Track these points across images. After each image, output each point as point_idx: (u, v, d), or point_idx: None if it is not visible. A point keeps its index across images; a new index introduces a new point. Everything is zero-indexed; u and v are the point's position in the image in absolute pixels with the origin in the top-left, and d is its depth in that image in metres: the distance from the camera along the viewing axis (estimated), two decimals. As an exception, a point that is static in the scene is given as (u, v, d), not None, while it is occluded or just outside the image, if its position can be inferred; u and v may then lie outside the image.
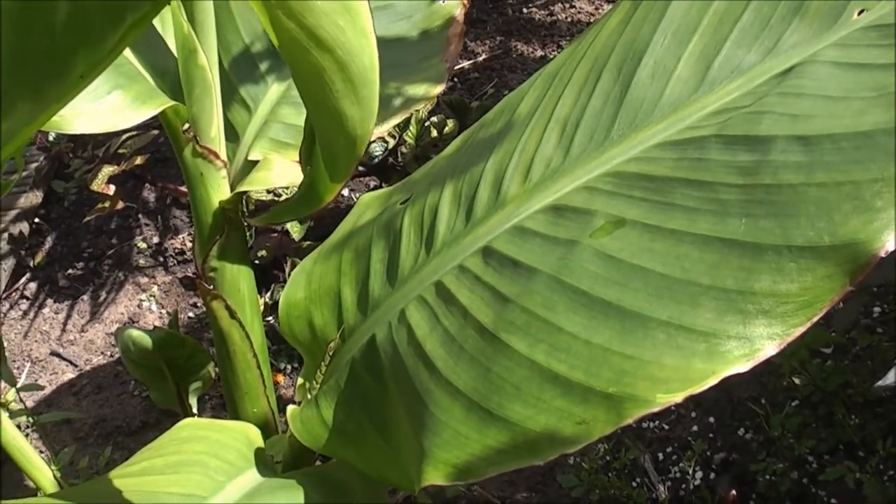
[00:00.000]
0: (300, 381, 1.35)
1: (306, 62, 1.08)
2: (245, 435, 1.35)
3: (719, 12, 1.13)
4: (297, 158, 1.45)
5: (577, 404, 0.97)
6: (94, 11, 0.78)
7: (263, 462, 1.30)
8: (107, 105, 1.33)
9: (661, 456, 1.90)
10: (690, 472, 1.85)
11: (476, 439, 1.03)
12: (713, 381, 0.93)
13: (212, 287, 1.38)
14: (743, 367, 0.93)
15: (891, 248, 0.90)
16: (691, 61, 1.12)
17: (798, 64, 1.05)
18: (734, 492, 1.79)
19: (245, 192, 1.42)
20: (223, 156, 1.36)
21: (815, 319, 0.92)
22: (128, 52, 1.40)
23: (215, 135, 1.34)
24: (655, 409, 0.93)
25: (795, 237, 0.94)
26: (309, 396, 1.29)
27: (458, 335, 1.09)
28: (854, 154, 0.95)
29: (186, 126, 1.34)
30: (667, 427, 1.94)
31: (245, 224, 1.44)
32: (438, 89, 1.49)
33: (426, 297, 1.16)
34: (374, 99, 1.14)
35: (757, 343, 0.93)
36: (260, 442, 1.36)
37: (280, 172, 1.42)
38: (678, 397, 0.93)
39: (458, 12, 1.55)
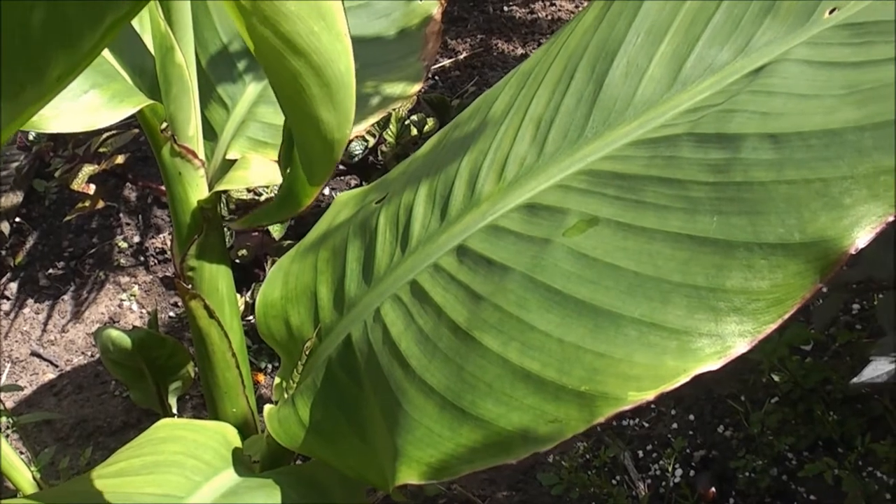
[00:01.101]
0: (277, 380, 1.35)
1: (282, 67, 1.08)
2: (222, 435, 1.34)
3: (692, 11, 1.13)
4: (276, 158, 1.45)
5: (550, 402, 0.98)
6: (73, 12, 0.78)
7: (241, 462, 1.30)
8: (83, 104, 1.32)
9: (641, 454, 1.91)
10: (670, 469, 1.86)
11: (449, 437, 1.03)
12: (684, 378, 0.93)
13: (190, 286, 1.38)
14: (714, 364, 0.93)
15: (860, 245, 0.91)
16: (664, 60, 1.12)
17: (769, 62, 1.05)
18: (714, 489, 1.80)
19: (223, 192, 1.42)
20: (201, 155, 1.36)
21: (786, 316, 0.93)
22: (105, 51, 1.39)
23: (193, 134, 1.34)
24: (627, 407, 0.94)
25: (766, 234, 0.95)
26: (286, 396, 1.29)
27: (433, 334, 1.10)
28: (824, 152, 0.95)
29: (164, 125, 1.34)
30: (647, 425, 1.95)
31: (224, 223, 1.43)
32: (416, 88, 1.49)
33: (401, 296, 1.16)
34: (350, 103, 1.14)
35: (728, 340, 0.94)
36: (237, 442, 1.36)
37: (258, 171, 1.42)
38: (650, 395, 0.94)
39: (436, 11, 1.55)
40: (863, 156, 0.93)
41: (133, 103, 1.33)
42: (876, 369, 1.44)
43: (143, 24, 1.46)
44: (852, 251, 0.91)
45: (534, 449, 0.98)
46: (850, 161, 0.93)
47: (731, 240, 0.96)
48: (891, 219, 0.91)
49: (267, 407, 1.30)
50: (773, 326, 0.93)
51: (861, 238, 0.91)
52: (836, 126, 0.96)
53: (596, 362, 0.97)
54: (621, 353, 0.96)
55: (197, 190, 1.36)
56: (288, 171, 1.29)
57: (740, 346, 0.93)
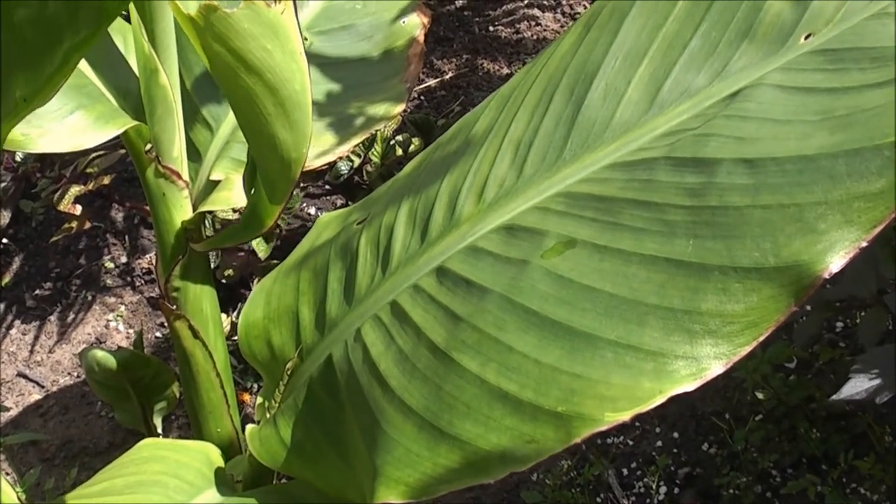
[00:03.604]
0: (259, 400, 1.35)
1: (237, 86, 1.09)
2: (205, 454, 1.35)
3: (669, 35, 1.14)
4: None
5: (527, 423, 0.99)
6: (30, 34, 0.79)
7: (223, 481, 1.31)
8: (69, 125, 1.33)
9: (625, 471, 1.91)
10: (654, 486, 1.86)
11: (427, 457, 1.04)
12: (660, 399, 0.94)
13: (175, 307, 1.39)
14: (690, 386, 0.94)
15: (834, 270, 0.92)
16: (641, 84, 1.13)
17: (745, 87, 1.06)
18: (698, 506, 1.81)
19: (207, 212, 1.43)
20: (185, 176, 1.36)
21: (760, 339, 0.94)
22: (90, 72, 1.40)
23: (177, 155, 1.35)
24: (603, 428, 0.95)
25: (741, 258, 0.96)
26: (268, 416, 1.30)
27: (412, 354, 1.11)
28: (798, 177, 0.96)
29: (149, 146, 1.35)
30: (631, 442, 1.95)
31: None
32: (398, 109, 1.51)
33: (381, 317, 1.17)
34: (306, 122, 1.14)
35: (703, 362, 0.95)
36: (220, 461, 1.36)
37: (241, 192, 1.42)
38: (626, 416, 0.95)
39: (419, 32, 1.56)
40: (836, 182, 0.94)
41: (118, 124, 1.34)
42: (855, 386, 1.45)
43: (128, 46, 1.46)
44: (826, 276, 0.92)
45: (511, 469, 0.99)
46: (824, 187, 0.95)
47: (706, 263, 0.97)
48: (864, 244, 0.92)
49: (249, 427, 1.31)
50: (748, 349, 0.94)
51: (835, 263, 0.92)
52: (810, 152, 0.97)
53: (573, 383, 0.98)
54: (598, 374, 0.97)
55: (181, 211, 1.37)
56: (252, 191, 1.30)
57: (715, 368, 0.94)
